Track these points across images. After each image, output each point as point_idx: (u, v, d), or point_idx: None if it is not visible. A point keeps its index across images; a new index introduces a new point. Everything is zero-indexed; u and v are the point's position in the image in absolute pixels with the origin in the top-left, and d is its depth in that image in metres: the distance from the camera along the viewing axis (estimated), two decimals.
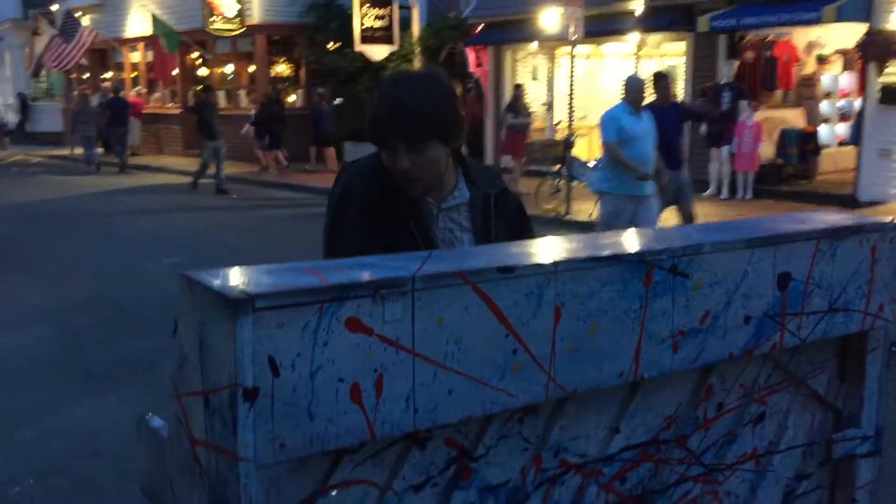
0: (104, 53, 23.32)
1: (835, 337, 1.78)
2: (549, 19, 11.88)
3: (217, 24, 17.79)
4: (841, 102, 13.73)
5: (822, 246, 1.69)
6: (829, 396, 1.85)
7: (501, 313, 1.32)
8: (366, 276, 1.22)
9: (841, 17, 10.59)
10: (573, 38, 10.96)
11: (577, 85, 14.18)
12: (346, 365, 1.19)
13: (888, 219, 1.83)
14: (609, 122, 6.78)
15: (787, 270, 1.64)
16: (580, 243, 1.55)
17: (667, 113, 7.55)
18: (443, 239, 1.84)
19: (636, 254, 1.46)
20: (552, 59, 15.57)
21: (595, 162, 11.37)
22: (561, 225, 10.52)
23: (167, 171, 18.03)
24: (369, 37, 16.50)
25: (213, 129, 14.19)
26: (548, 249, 1.47)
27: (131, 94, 21.58)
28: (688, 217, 8.06)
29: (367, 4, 16.33)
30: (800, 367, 1.80)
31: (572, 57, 11.52)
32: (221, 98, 18.90)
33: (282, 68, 19.46)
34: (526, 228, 1.95)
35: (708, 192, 12.58)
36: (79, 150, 18.99)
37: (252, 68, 19.12)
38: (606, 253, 1.44)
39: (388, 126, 1.75)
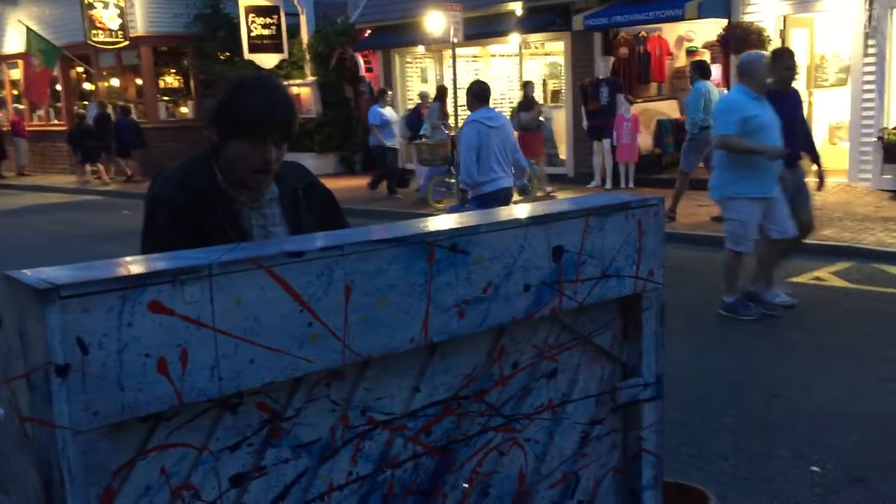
0: None
1: (612, 299, 2.07)
2: (433, 22, 12.20)
3: (99, 37, 17.42)
4: None
5: (591, 222, 1.97)
6: (614, 351, 2.15)
7: (295, 292, 1.54)
8: (166, 265, 1.43)
9: (701, 13, 11.28)
10: (454, 41, 11.30)
11: (465, 85, 14.44)
12: (151, 342, 1.39)
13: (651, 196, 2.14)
14: (729, 112, 5.66)
15: (560, 244, 1.92)
16: (370, 230, 1.79)
17: (787, 99, 6.03)
18: (257, 236, 2.04)
19: (418, 235, 1.71)
20: (440, 61, 15.92)
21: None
22: None
23: (57, 191, 17.53)
24: (258, 45, 16.50)
25: None
26: (339, 237, 1.70)
27: (11, 113, 20.87)
28: (806, 226, 6.44)
29: (254, 13, 16.34)
30: (585, 328, 2.08)
31: (454, 58, 11.86)
32: (112, 113, 18.47)
33: (170, 80, 19.20)
34: (339, 219, 2.16)
35: (592, 183, 13.19)
36: None
37: (139, 81, 18.80)
38: (390, 236, 1.69)
39: (270, 119, 1.95)
